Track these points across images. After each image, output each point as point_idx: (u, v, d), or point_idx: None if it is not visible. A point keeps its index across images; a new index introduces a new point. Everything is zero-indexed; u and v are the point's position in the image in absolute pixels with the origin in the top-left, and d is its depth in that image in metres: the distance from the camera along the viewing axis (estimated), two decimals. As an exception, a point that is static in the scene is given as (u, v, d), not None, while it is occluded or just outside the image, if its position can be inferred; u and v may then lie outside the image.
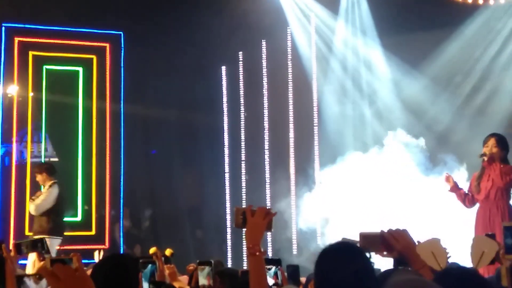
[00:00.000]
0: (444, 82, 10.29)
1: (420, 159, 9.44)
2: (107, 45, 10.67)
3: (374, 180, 9.46)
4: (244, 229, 2.71)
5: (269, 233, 10.64)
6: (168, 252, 5.47)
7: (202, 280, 3.74)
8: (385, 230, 2.77)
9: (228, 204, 11.06)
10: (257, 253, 2.65)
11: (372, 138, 10.27)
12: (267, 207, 2.78)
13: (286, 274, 3.61)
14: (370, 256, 2.56)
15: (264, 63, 11.21)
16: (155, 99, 10.88)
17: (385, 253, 2.74)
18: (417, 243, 2.83)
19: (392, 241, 2.71)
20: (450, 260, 3.05)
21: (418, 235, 2.89)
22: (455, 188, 6.82)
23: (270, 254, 10.39)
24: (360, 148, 9.97)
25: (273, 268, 3.58)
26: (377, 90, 10.69)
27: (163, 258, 4.34)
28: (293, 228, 10.58)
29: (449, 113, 10.15)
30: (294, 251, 10.44)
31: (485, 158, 6.54)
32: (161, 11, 10.46)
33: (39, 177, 8.29)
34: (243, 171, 11.17)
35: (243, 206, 2.87)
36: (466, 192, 6.80)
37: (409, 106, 10.29)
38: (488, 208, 6.55)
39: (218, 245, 10.73)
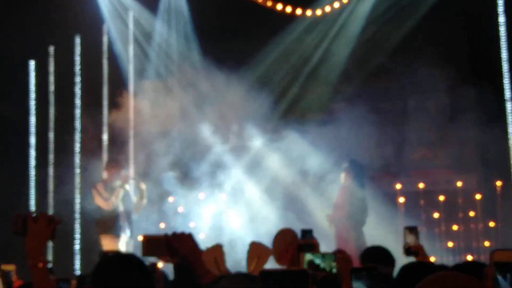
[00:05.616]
0: (264, 88, 10.37)
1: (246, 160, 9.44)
2: None
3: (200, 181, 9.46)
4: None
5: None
6: None
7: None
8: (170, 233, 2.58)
9: (33, 210, 10.20)
10: (40, 264, 2.48)
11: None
12: (51, 214, 2.60)
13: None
14: (154, 270, 2.38)
15: (78, 60, 10.59)
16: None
17: (168, 258, 2.53)
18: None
19: (176, 245, 2.48)
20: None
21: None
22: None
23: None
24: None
25: None
26: (197, 94, 10.50)
27: None
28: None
29: (270, 120, 10.26)
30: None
31: None
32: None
33: None
34: (51, 174, 10.40)
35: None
36: None
37: (230, 111, 10.23)
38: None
39: (21, 250, 9.82)
